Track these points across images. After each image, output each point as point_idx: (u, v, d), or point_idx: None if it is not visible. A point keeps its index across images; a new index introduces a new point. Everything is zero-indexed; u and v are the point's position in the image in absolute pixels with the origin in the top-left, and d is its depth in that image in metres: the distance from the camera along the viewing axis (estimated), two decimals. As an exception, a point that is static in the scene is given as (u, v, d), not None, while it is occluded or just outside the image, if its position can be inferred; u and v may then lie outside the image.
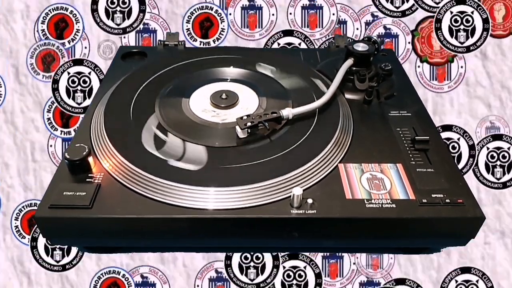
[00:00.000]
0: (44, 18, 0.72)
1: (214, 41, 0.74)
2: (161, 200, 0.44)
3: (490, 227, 0.60)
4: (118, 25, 0.71)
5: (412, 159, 0.49)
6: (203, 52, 0.68)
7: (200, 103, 0.57)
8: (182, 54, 0.68)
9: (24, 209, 0.61)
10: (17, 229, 0.60)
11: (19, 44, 0.72)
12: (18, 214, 0.61)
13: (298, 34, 0.74)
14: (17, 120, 0.70)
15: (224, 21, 0.72)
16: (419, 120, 0.56)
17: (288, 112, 0.52)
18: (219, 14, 0.72)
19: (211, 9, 0.73)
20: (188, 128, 0.53)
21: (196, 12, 0.73)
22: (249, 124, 0.50)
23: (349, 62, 0.59)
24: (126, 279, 0.54)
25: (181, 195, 0.44)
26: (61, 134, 0.67)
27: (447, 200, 0.44)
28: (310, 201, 0.43)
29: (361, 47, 0.60)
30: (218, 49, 0.72)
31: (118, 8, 0.71)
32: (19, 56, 0.72)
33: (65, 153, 0.46)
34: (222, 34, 0.73)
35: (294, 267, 0.54)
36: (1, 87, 0.67)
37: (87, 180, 0.46)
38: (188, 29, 0.72)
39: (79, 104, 0.71)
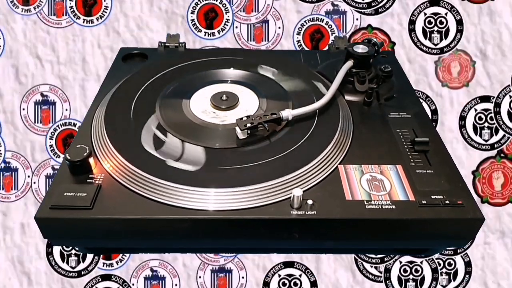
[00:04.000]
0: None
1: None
2: (161, 201, 0.44)
3: (490, 227, 0.60)
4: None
5: (412, 160, 0.50)
6: (204, 54, 0.68)
7: (200, 105, 0.57)
8: (183, 56, 0.69)
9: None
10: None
11: (19, 44, 0.72)
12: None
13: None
14: (17, 120, 0.70)
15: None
16: (418, 121, 0.56)
17: (287, 113, 0.52)
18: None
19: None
20: (188, 129, 0.53)
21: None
22: (248, 125, 0.50)
23: (349, 63, 0.59)
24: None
25: (181, 196, 0.44)
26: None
27: (447, 201, 0.44)
28: (310, 202, 0.43)
29: (361, 49, 0.60)
30: (218, 50, 0.72)
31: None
32: (19, 56, 0.72)
33: (66, 154, 0.47)
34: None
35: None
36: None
37: (88, 181, 0.46)
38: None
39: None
